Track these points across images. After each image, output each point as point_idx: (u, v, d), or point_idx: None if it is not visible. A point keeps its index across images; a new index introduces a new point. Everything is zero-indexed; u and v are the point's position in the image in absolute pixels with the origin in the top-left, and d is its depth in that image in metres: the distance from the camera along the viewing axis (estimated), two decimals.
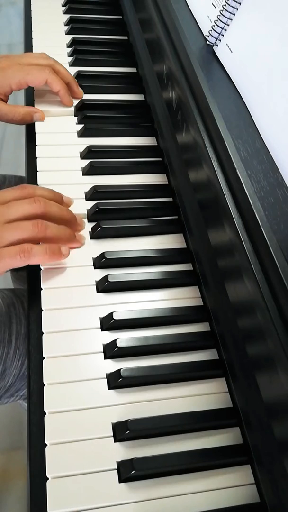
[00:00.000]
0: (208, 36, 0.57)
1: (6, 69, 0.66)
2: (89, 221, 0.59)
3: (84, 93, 0.74)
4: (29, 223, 0.50)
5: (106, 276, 0.52)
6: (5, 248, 0.49)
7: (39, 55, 0.71)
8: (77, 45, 0.82)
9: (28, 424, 0.44)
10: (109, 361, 0.48)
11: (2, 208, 0.51)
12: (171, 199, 0.63)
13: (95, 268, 0.55)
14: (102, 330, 0.50)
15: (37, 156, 0.65)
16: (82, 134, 0.69)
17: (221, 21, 0.56)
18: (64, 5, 0.92)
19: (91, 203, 0.60)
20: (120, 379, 0.45)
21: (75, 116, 0.72)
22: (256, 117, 0.49)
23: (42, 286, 0.52)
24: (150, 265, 0.55)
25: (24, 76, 0.67)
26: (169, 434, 0.44)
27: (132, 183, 0.64)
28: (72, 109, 0.72)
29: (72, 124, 0.70)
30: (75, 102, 0.73)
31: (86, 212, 0.60)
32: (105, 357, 0.48)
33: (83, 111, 0.71)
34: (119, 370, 0.46)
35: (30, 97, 0.73)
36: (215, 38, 0.57)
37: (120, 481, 0.41)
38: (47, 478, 0.41)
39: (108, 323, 0.50)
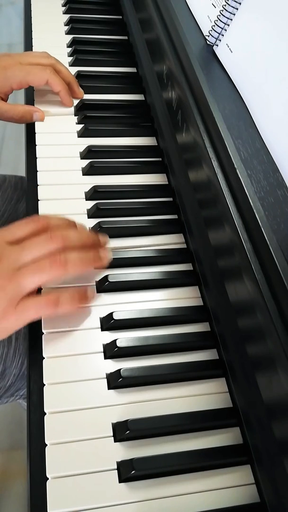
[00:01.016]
0: (208, 36, 0.57)
1: (7, 68, 0.66)
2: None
3: (84, 93, 0.74)
4: (46, 262, 0.46)
5: (106, 276, 0.52)
6: (28, 299, 0.45)
7: (40, 54, 0.71)
8: (77, 45, 0.82)
9: (28, 424, 0.44)
10: (109, 361, 0.48)
11: (15, 249, 0.47)
12: (171, 199, 0.63)
13: (95, 268, 0.55)
14: (102, 330, 0.50)
15: (37, 156, 0.65)
16: (82, 134, 0.69)
17: (221, 21, 0.56)
18: (64, 5, 0.92)
19: (91, 203, 0.60)
20: (120, 379, 0.45)
21: (75, 116, 0.72)
22: (256, 117, 0.49)
23: (41, 286, 0.52)
24: (150, 265, 0.55)
25: (25, 76, 0.67)
26: (169, 434, 0.44)
27: (132, 183, 0.64)
28: (72, 109, 0.72)
29: (72, 124, 0.70)
30: (75, 102, 0.73)
31: (86, 212, 0.60)
32: (105, 357, 0.48)
33: (83, 111, 0.71)
34: (119, 370, 0.46)
35: (30, 96, 0.73)
36: (215, 38, 0.57)
37: (120, 481, 0.41)
38: (47, 478, 0.41)
39: (108, 323, 0.50)
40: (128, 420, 0.43)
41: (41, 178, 0.63)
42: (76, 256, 0.47)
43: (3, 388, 0.64)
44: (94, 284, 0.53)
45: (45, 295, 0.47)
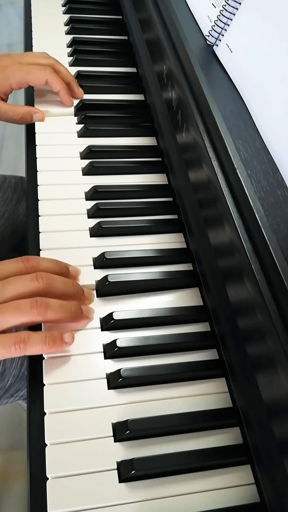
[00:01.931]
0: (208, 36, 0.57)
1: (7, 68, 0.66)
2: None
3: (84, 93, 0.74)
4: (27, 303, 0.45)
5: (106, 276, 0.52)
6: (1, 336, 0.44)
7: (40, 55, 0.71)
8: (77, 45, 0.82)
9: (28, 424, 0.44)
10: (109, 361, 0.48)
11: None
12: (171, 199, 0.63)
13: (95, 268, 0.55)
14: (102, 330, 0.50)
15: (37, 156, 0.65)
16: (82, 134, 0.69)
17: (221, 21, 0.56)
18: (64, 5, 0.92)
19: (91, 203, 0.60)
20: (120, 379, 0.45)
21: (75, 116, 0.72)
22: (256, 117, 0.49)
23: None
24: (150, 265, 0.55)
25: (25, 76, 0.67)
26: (169, 434, 0.44)
27: (132, 183, 0.64)
28: (72, 109, 0.72)
29: (72, 124, 0.70)
30: (75, 102, 0.73)
31: (86, 212, 0.60)
32: (105, 357, 0.48)
33: (83, 111, 0.71)
34: (119, 370, 0.46)
35: (30, 96, 0.73)
36: (215, 38, 0.57)
37: (120, 481, 0.41)
38: (47, 478, 0.41)
39: (108, 323, 0.50)
40: (128, 420, 0.43)
41: (41, 178, 0.63)
42: (57, 303, 0.46)
43: (3, 389, 0.64)
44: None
45: (14, 335, 0.44)
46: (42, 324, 0.49)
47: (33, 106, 0.71)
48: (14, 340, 0.44)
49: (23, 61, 0.68)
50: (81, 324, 0.49)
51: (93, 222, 0.59)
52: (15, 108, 0.68)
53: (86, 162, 0.65)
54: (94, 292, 0.53)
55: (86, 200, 0.61)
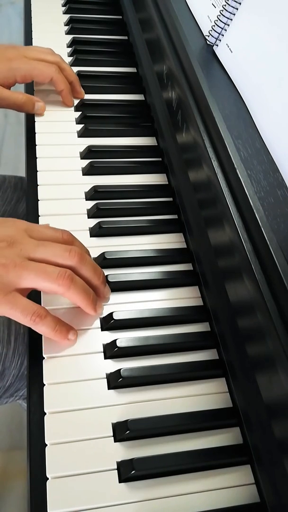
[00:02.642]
0: (208, 36, 0.57)
1: (12, 60, 0.66)
2: None
3: (84, 93, 0.74)
4: (55, 270, 0.45)
5: (106, 276, 0.52)
6: (20, 297, 0.44)
7: (46, 50, 0.70)
8: (77, 45, 0.82)
9: (28, 424, 0.44)
10: (109, 361, 0.48)
11: (32, 242, 0.46)
12: (171, 199, 0.63)
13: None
14: (102, 330, 0.50)
15: (37, 156, 0.65)
16: (82, 134, 0.69)
17: (221, 21, 0.56)
18: (64, 5, 0.92)
19: (91, 203, 0.60)
20: (120, 379, 0.45)
21: (75, 116, 0.72)
22: (256, 117, 0.49)
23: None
24: (150, 265, 0.55)
25: (30, 70, 0.66)
26: (169, 434, 0.44)
27: (132, 183, 0.64)
28: (72, 109, 0.72)
29: (72, 124, 0.70)
30: (75, 102, 0.73)
31: (86, 212, 0.60)
32: (105, 357, 0.48)
33: (83, 111, 0.71)
34: (119, 370, 0.46)
35: (30, 93, 0.73)
36: (215, 38, 0.57)
37: (120, 481, 0.41)
38: (47, 478, 0.41)
39: (108, 323, 0.50)
40: (128, 420, 0.43)
41: (41, 178, 0.63)
42: (82, 283, 0.47)
43: (3, 389, 0.64)
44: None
45: (36, 307, 0.45)
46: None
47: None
48: (34, 311, 0.44)
49: (29, 55, 0.67)
50: (89, 321, 0.50)
51: (93, 222, 0.59)
52: (16, 94, 0.66)
53: (86, 162, 0.65)
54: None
55: (86, 200, 0.61)
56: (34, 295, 0.49)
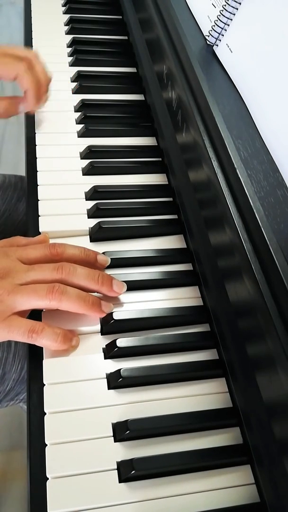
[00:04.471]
0: (208, 36, 0.57)
1: None
2: None
3: (84, 93, 0.74)
4: (44, 287, 0.46)
5: None
6: (16, 318, 0.46)
7: (19, 47, 0.63)
8: (77, 45, 0.82)
9: (28, 424, 0.44)
10: (109, 361, 0.48)
11: (23, 268, 0.48)
12: (171, 199, 0.63)
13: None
14: (102, 330, 0.50)
15: (37, 156, 0.65)
16: (82, 134, 0.69)
17: (221, 21, 0.56)
18: (64, 5, 0.92)
19: (91, 203, 0.60)
20: (120, 379, 0.45)
21: (75, 116, 0.72)
22: (256, 117, 0.49)
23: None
24: (150, 265, 0.55)
25: None
26: (169, 434, 0.44)
27: (132, 183, 0.64)
28: (72, 109, 0.72)
29: (72, 124, 0.70)
30: (75, 102, 0.73)
31: (86, 212, 0.60)
32: (105, 357, 0.48)
33: (83, 111, 0.71)
34: (119, 370, 0.46)
35: None
36: (215, 38, 0.57)
37: (120, 481, 0.41)
38: (47, 478, 0.41)
39: (108, 323, 0.50)
40: (128, 420, 0.43)
41: (41, 178, 0.63)
42: (75, 292, 0.47)
43: (3, 393, 0.63)
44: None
45: (30, 324, 0.46)
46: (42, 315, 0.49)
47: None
48: (29, 328, 0.45)
49: None
50: (89, 322, 0.50)
51: (93, 222, 0.58)
52: None
53: (86, 162, 0.65)
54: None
55: (86, 200, 0.61)
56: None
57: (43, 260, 0.49)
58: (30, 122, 0.70)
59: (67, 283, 0.48)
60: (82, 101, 0.72)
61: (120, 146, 0.68)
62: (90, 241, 0.57)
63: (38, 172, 0.63)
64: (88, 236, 0.58)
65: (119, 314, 0.50)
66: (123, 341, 0.48)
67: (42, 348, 0.48)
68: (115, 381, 0.46)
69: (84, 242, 0.57)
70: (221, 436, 0.44)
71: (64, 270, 0.48)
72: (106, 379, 0.46)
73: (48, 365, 0.47)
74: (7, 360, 0.61)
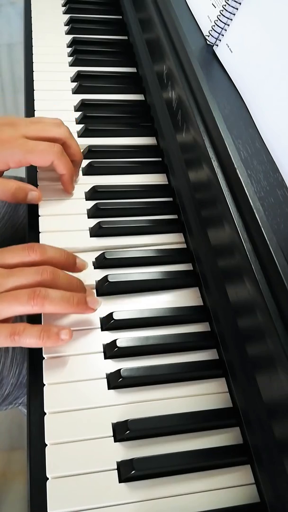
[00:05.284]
0: (208, 36, 0.57)
1: (5, 143, 0.55)
2: None
3: (84, 93, 0.74)
4: (25, 293, 0.45)
5: (106, 276, 0.52)
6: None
7: (52, 121, 0.59)
8: (77, 45, 0.82)
9: (28, 424, 0.44)
10: (109, 361, 0.48)
11: (2, 274, 0.47)
12: (171, 199, 0.63)
13: (95, 268, 0.55)
14: (102, 330, 0.50)
15: None
16: (82, 134, 0.69)
17: (221, 21, 0.56)
18: (64, 5, 0.92)
19: (91, 203, 0.60)
20: (120, 379, 0.45)
21: (75, 116, 0.72)
22: (256, 117, 0.49)
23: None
24: (150, 265, 0.55)
25: (26, 155, 0.56)
26: (169, 434, 0.44)
27: (132, 183, 0.64)
28: (72, 109, 0.72)
29: (72, 124, 0.70)
30: (75, 101, 0.73)
31: (86, 212, 0.60)
32: (105, 357, 0.48)
33: (83, 111, 0.71)
34: (119, 370, 0.46)
35: None
36: (215, 38, 0.57)
37: (120, 481, 0.41)
38: (47, 478, 0.41)
39: (108, 323, 0.50)
40: (128, 420, 0.43)
41: (41, 178, 0.63)
42: (58, 294, 0.46)
43: (1, 397, 0.63)
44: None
45: (11, 326, 0.45)
46: (42, 315, 0.49)
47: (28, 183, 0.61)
48: (10, 331, 0.44)
49: (29, 133, 0.56)
50: (89, 322, 0.49)
51: (93, 222, 0.59)
52: (5, 182, 0.56)
53: (86, 162, 0.65)
54: (94, 291, 0.52)
55: (86, 200, 0.61)
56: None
57: (22, 263, 0.48)
58: None
59: (50, 285, 0.46)
60: (82, 101, 0.72)
61: (120, 146, 0.68)
62: None
63: (38, 172, 0.63)
64: (88, 236, 0.58)
65: (119, 314, 0.50)
66: (123, 341, 0.48)
67: (41, 347, 0.48)
68: (115, 381, 0.46)
69: (84, 242, 0.57)
70: (221, 436, 0.44)
71: (48, 274, 0.47)
72: (106, 379, 0.46)
73: (48, 365, 0.47)
74: (5, 365, 0.61)
